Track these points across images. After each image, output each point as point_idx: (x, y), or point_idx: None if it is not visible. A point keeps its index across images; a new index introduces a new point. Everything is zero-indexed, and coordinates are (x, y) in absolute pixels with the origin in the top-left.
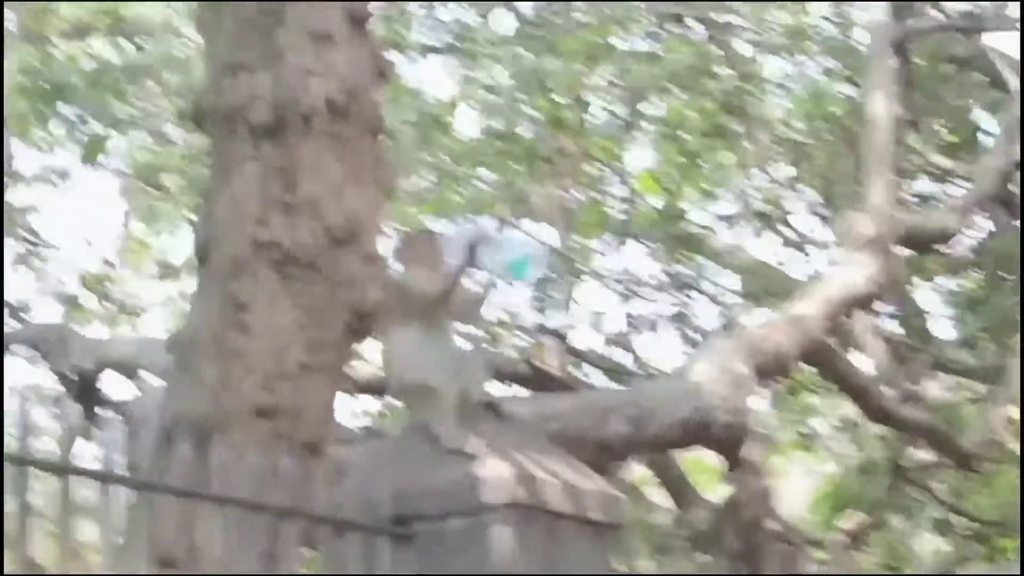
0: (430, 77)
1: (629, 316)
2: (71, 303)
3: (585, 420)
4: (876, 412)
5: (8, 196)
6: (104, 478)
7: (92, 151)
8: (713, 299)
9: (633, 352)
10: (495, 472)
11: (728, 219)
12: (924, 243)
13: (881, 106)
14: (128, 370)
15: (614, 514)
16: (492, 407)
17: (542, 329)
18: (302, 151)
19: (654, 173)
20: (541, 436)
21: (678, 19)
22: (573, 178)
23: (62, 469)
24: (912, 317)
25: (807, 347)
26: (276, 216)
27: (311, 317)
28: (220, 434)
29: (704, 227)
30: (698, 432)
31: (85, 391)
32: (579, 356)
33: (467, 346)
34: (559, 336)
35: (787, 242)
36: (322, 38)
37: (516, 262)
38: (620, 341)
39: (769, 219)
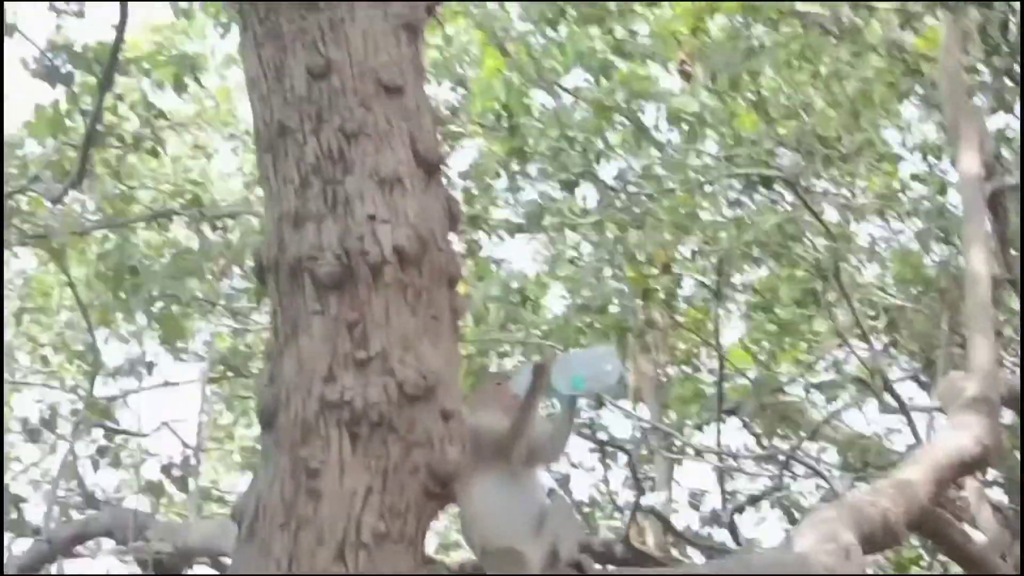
0: (515, 254)
1: (727, 494)
2: (154, 490)
3: None
4: None
5: (96, 388)
6: None
7: (169, 332)
8: (813, 473)
9: (733, 530)
10: None
11: (824, 389)
12: None
13: (980, 262)
14: (211, 555)
15: None
16: (579, 566)
17: (639, 508)
18: (372, 304)
19: (745, 344)
20: None
21: (766, 184)
22: (665, 352)
23: None
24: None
25: (916, 514)
26: (346, 374)
27: (385, 481)
28: None
29: (800, 399)
30: None
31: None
32: (678, 535)
33: (551, 499)
34: (657, 515)
35: (886, 408)
36: (391, 183)
37: (580, 376)
38: (719, 519)
39: (868, 387)
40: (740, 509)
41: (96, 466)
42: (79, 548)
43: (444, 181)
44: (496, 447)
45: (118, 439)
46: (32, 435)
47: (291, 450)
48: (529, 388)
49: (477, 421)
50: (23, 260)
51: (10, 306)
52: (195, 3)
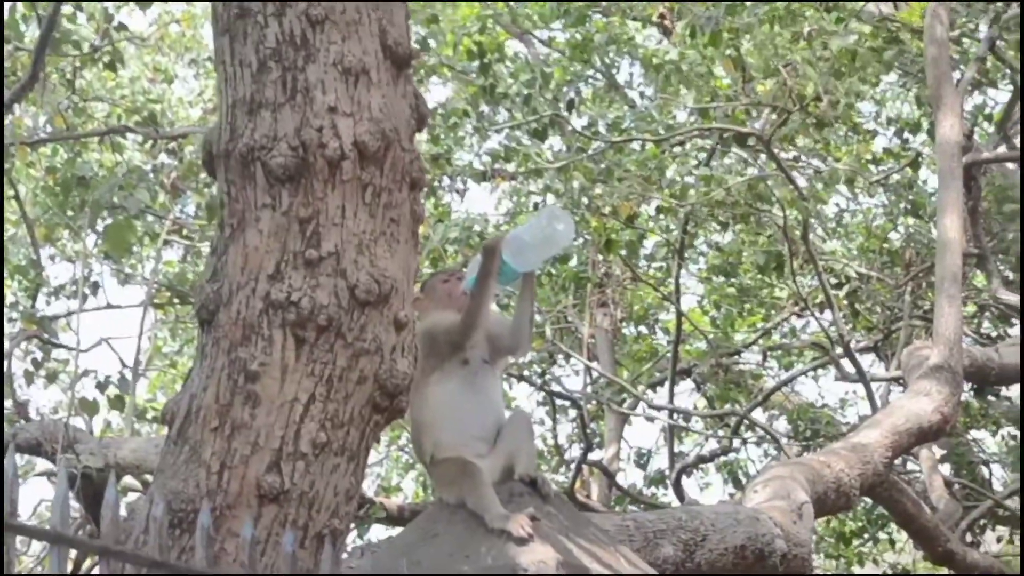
0: (477, 198)
1: (675, 455)
2: (88, 408)
3: (634, 542)
4: (941, 555)
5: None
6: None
7: (115, 244)
8: (763, 439)
9: (679, 491)
10: (540, 560)
11: (782, 354)
12: (991, 379)
13: (954, 229)
14: (139, 472)
15: None
16: (534, 483)
17: (585, 462)
18: (327, 200)
19: (704, 307)
20: (589, 524)
21: (739, 142)
22: (623, 308)
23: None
24: (969, 462)
25: (870, 478)
26: (294, 272)
27: (330, 389)
28: (218, 518)
29: (756, 364)
30: (754, 562)
31: (91, 493)
32: (623, 492)
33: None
34: (603, 470)
35: (845, 376)
36: (356, 75)
37: (533, 246)
38: (665, 479)
39: (826, 353)
40: (687, 470)
41: (30, 379)
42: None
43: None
44: (449, 343)
45: (57, 358)
46: None
47: (230, 350)
48: (480, 271)
49: (429, 320)
50: None
51: None
52: None
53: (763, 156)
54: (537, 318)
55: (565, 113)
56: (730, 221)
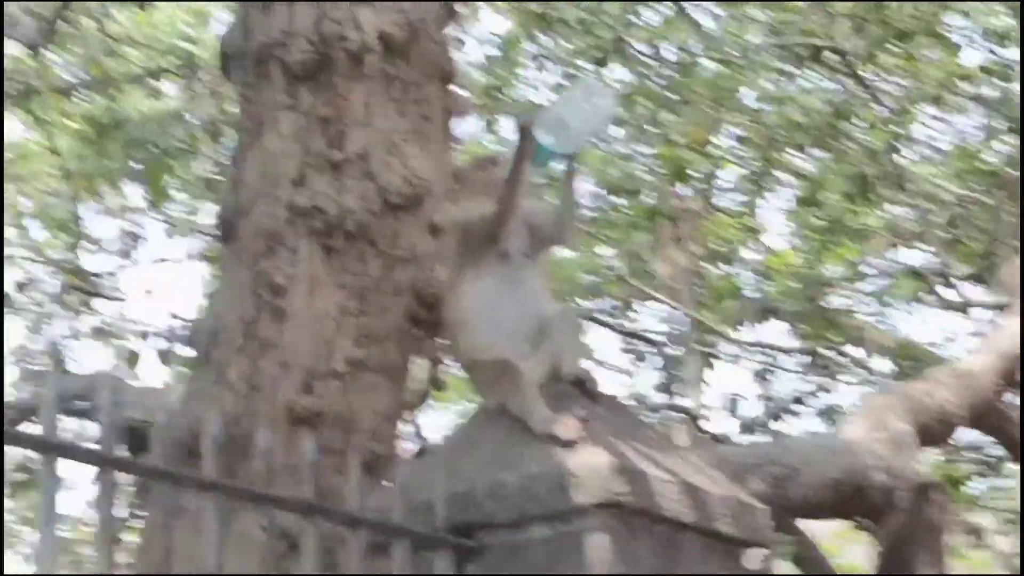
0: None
1: (767, 399)
2: (131, 360)
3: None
4: None
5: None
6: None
7: (154, 182)
8: (860, 380)
9: (773, 438)
10: (591, 463)
11: (876, 293)
12: None
13: None
14: None
15: (750, 527)
16: (583, 384)
17: (671, 409)
18: (351, 97)
19: (789, 239)
20: (647, 427)
21: (815, 58)
22: (700, 243)
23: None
24: None
25: (977, 408)
26: (318, 177)
27: (363, 302)
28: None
29: (849, 299)
30: (852, 496)
31: (137, 442)
32: (714, 439)
33: (557, 303)
34: (690, 417)
35: (946, 305)
36: None
37: (572, 122)
38: (757, 426)
39: (924, 282)
40: (778, 415)
41: (75, 336)
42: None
43: None
44: (485, 235)
45: (103, 316)
46: (7, 301)
47: (253, 263)
48: (513, 155)
49: (463, 211)
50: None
51: None
52: None
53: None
54: (611, 258)
55: (627, 38)
56: (809, 146)
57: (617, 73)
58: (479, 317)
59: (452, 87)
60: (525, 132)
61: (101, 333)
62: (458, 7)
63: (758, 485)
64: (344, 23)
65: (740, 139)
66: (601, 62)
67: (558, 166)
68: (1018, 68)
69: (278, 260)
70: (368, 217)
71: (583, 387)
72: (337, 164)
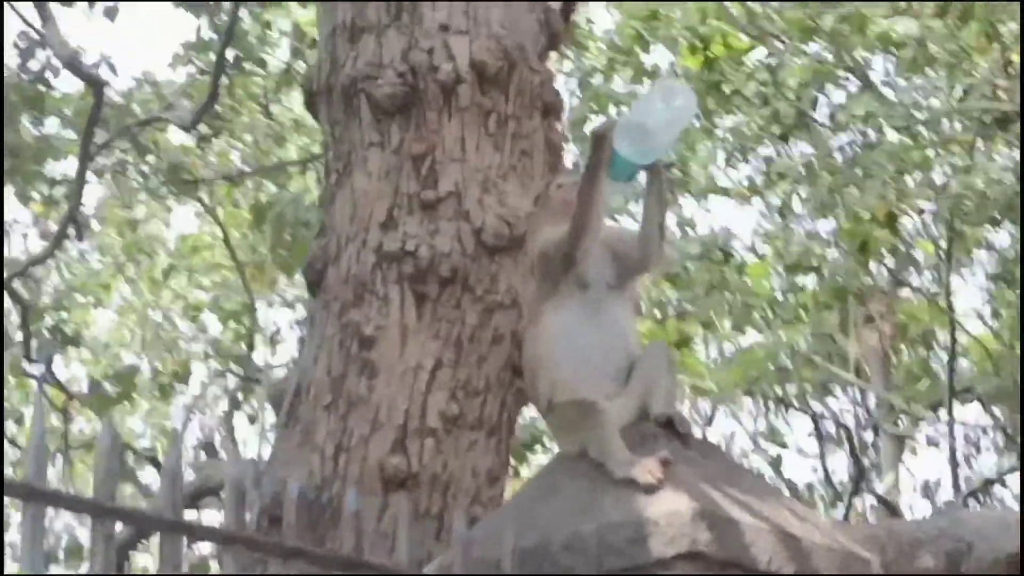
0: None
1: (963, 482)
2: None
3: (886, 553)
4: None
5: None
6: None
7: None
8: None
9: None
10: (672, 510)
11: None
12: None
13: None
14: None
15: None
16: (672, 424)
17: (859, 491)
18: (443, 131)
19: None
20: (747, 474)
21: (1002, 125)
22: (891, 322)
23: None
24: None
25: None
26: (409, 218)
27: (459, 352)
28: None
29: None
30: None
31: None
32: (889, 511)
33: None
34: (884, 503)
35: None
36: None
37: (653, 127)
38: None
39: None
40: (974, 494)
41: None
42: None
43: None
44: (562, 259)
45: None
46: (163, 391)
47: (341, 314)
48: (587, 166)
49: (541, 235)
50: (178, 215)
51: (158, 264)
52: None
53: None
54: (803, 344)
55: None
56: (1000, 216)
57: (800, 147)
58: (560, 353)
59: (556, 121)
60: (600, 140)
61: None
62: (559, 29)
63: (929, 560)
64: (435, 53)
65: (925, 213)
66: (784, 137)
67: (639, 179)
68: None
69: (367, 309)
70: (463, 260)
71: (673, 428)
72: (429, 204)
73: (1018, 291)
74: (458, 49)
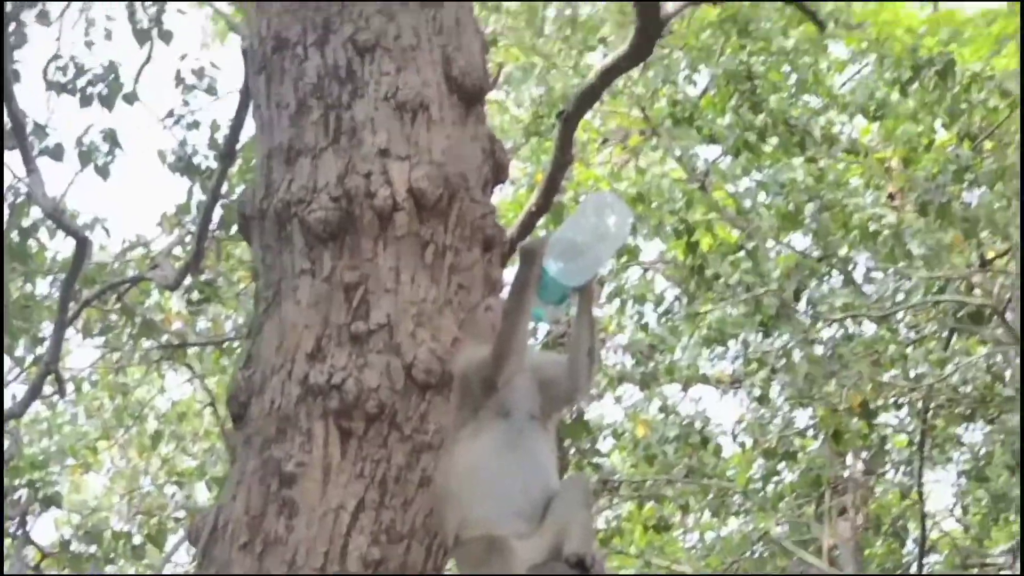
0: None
1: None
2: None
3: None
4: None
5: None
6: None
7: None
8: None
9: None
10: None
11: None
12: None
13: None
14: None
15: None
16: (582, 564)
17: None
18: (378, 261)
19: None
20: None
21: (976, 319)
22: (863, 513)
23: None
24: None
25: None
26: (337, 350)
27: (384, 494)
28: None
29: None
30: None
31: None
32: None
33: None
34: None
35: None
36: (412, 111)
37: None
38: None
39: None
40: None
41: None
42: None
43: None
44: (482, 383)
45: None
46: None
47: (263, 449)
48: (513, 286)
49: (462, 357)
50: (167, 380)
51: (144, 429)
52: None
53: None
54: (777, 530)
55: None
56: (974, 413)
57: (783, 338)
58: (472, 486)
59: (497, 256)
60: (529, 257)
61: None
62: (504, 162)
63: None
64: (372, 178)
65: (899, 405)
66: (765, 326)
67: (568, 303)
68: None
69: (289, 445)
70: (392, 396)
71: (583, 567)
72: (359, 336)
73: (986, 490)
74: (397, 175)
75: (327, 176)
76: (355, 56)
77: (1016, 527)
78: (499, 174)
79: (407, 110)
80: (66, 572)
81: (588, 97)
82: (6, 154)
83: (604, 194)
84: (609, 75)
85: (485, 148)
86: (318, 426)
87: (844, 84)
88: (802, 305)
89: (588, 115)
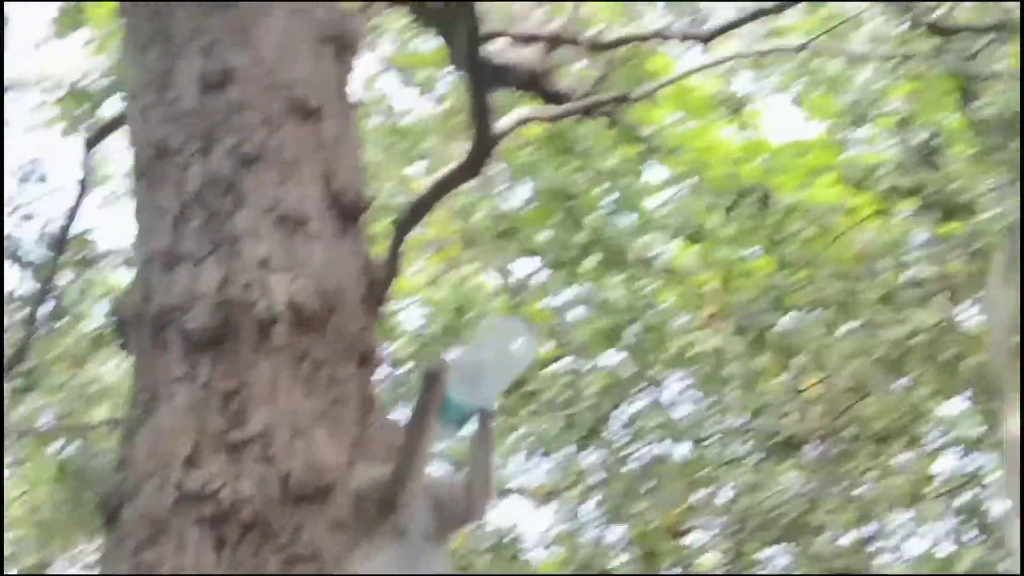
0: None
1: None
2: None
3: None
4: None
5: None
6: None
7: None
8: None
9: None
10: None
11: None
12: None
13: None
14: None
15: None
16: None
17: None
18: (255, 371)
19: None
20: None
21: (786, 449)
22: None
23: None
24: None
25: None
26: (213, 457)
27: None
28: None
29: None
30: None
31: None
32: None
33: None
34: None
35: None
36: (293, 224)
37: (487, 372)
38: None
39: None
40: None
41: None
42: None
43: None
44: (379, 503)
45: None
46: None
47: (135, 552)
48: (415, 407)
49: (358, 476)
50: None
51: None
52: None
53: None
54: None
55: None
56: (785, 539)
57: (596, 456)
58: None
59: (372, 373)
60: (432, 380)
61: None
62: (381, 279)
63: None
64: (252, 288)
65: (711, 529)
66: (583, 444)
67: (469, 425)
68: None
69: (161, 551)
70: (267, 506)
71: None
72: (235, 444)
73: None
74: (276, 287)
75: (207, 284)
76: (238, 166)
77: None
78: (375, 291)
79: (288, 222)
80: None
81: (420, 208)
82: None
83: (509, 320)
84: (442, 188)
85: (362, 265)
86: (191, 532)
87: (662, 206)
88: (616, 423)
89: None
